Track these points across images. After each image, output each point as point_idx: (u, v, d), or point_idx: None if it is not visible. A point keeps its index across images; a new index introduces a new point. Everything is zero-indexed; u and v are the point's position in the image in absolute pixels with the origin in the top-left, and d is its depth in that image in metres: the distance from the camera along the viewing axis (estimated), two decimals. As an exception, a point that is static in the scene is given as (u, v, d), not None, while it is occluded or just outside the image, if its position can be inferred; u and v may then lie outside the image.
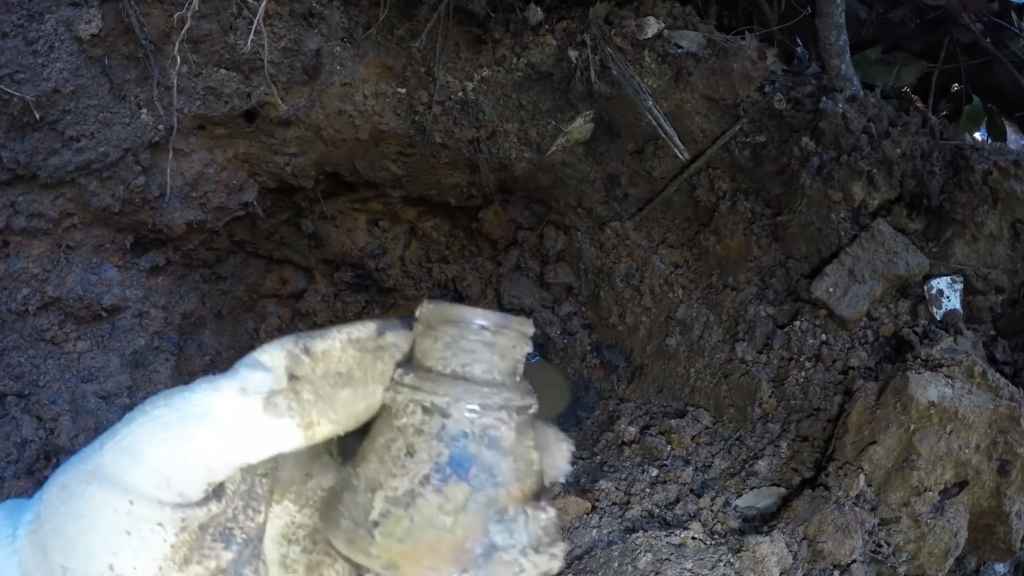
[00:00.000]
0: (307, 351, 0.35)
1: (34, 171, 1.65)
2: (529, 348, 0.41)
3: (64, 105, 1.62)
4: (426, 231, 2.17)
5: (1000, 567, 1.49)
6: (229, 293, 2.06)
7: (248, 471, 0.36)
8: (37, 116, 1.59)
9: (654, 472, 1.61)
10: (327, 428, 0.35)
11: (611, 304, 2.07)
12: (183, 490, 0.33)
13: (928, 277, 1.67)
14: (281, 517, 0.38)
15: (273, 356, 0.35)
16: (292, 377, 0.35)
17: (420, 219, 2.17)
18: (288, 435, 0.34)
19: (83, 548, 0.33)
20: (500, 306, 2.17)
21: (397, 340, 0.38)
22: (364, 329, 0.37)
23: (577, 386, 2.09)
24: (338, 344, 0.36)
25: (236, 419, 0.34)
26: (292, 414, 0.34)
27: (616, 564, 1.34)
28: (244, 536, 0.35)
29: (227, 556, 0.34)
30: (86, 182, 1.71)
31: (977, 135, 2.19)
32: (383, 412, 0.37)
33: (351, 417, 0.36)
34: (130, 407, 0.40)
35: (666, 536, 1.36)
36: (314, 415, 0.35)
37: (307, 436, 0.35)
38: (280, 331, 2.13)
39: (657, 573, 1.29)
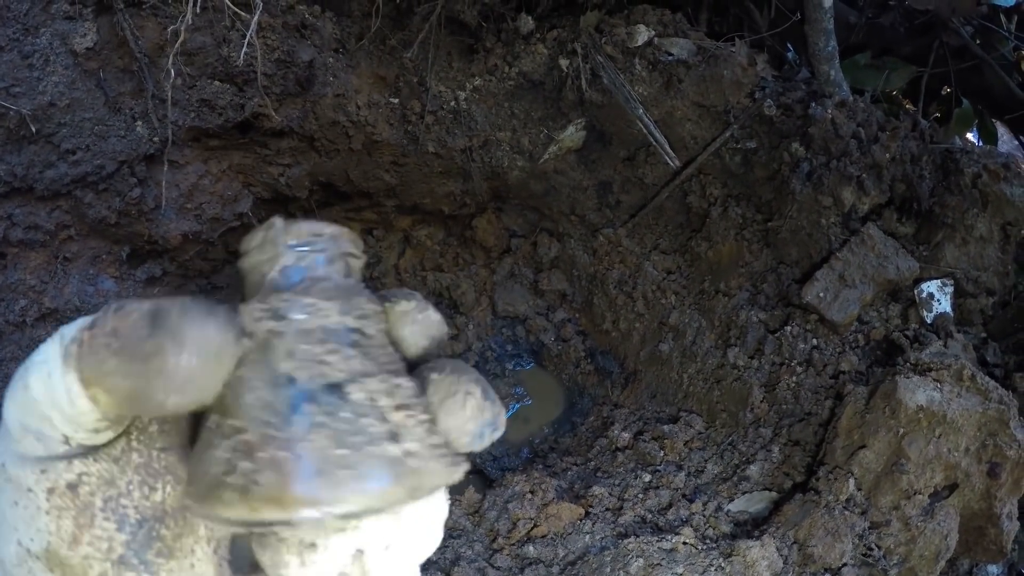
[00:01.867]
0: (117, 310, 0.32)
1: (31, 183, 1.66)
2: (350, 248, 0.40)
3: (60, 118, 1.64)
4: (420, 240, 2.18)
5: (993, 568, 1.49)
6: (225, 303, 2.07)
7: (145, 441, 0.33)
8: (33, 129, 1.61)
9: (647, 477, 1.61)
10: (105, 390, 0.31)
11: (604, 310, 2.07)
12: (40, 446, 0.31)
13: (918, 281, 1.68)
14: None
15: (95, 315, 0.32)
16: (90, 325, 0.31)
17: (414, 228, 2.18)
18: (77, 390, 0.31)
19: (2, 529, 0.32)
20: (494, 313, 2.18)
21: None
22: (138, 305, 0.32)
23: (571, 392, 2.10)
24: (111, 314, 0.32)
25: (54, 364, 0.31)
26: (73, 364, 0.31)
27: (608, 569, 1.35)
28: (139, 516, 0.32)
29: (120, 537, 0.32)
30: (82, 194, 1.73)
31: (970, 136, 2.20)
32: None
33: (122, 390, 0.31)
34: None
35: (658, 541, 1.37)
36: (85, 368, 0.31)
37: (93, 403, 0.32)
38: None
39: (648, 578, 1.30)
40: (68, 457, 0.32)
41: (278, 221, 0.38)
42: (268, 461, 0.31)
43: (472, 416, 0.36)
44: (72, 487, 0.31)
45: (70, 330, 0.32)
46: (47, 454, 0.32)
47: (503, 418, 0.39)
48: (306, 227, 0.38)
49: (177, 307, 0.32)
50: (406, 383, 0.36)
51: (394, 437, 0.33)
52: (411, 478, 0.33)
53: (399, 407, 0.35)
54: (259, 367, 0.33)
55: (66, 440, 0.31)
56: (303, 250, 0.37)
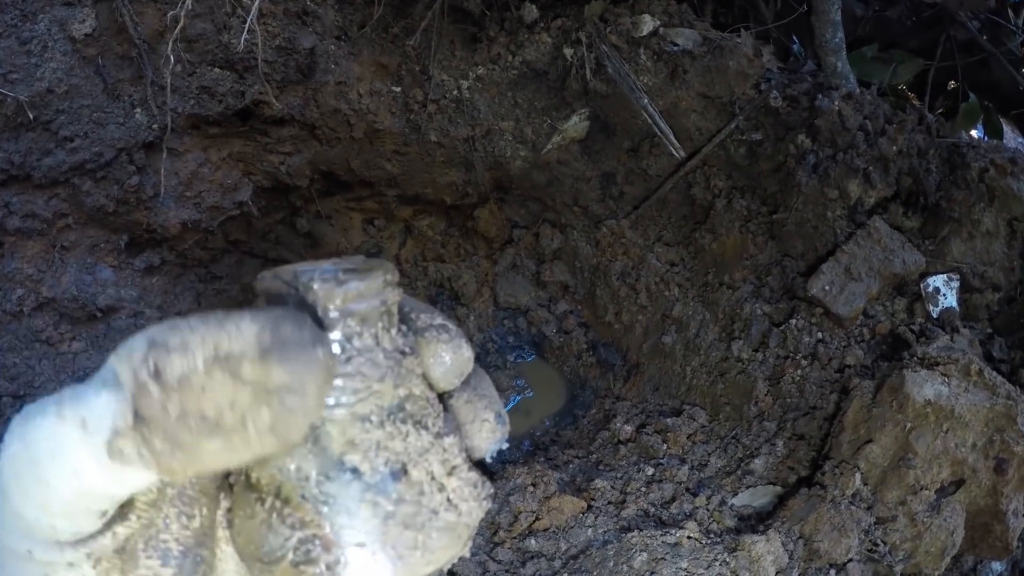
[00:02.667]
0: (157, 375, 0.25)
1: (28, 171, 1.64)
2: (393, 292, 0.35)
3: (58, 105, 1.62)
4: (421, 230, 2.17)
5: (997, 566, 1.49)
6: (224, 293, 2.06)
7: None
8: (31, 116, 1.58)
9: (650, 471, 1.60)
10: (196, 473, 0.28)
11: (607, 302, 2.06)
12: (74, 529, 0.29)
13: (924, 275, 1.67)
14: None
15: (123, 368, 0.26)
16: (137, 417, 0.25)
17: (415, 218, 2.16)
18: (147, 479, 0.27)
19: None
20: (496, 305, 2.17)
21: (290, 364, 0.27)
22: (239, 338, 0.26)
23: (573, 384, 2.09)
24: (200, 364, 0.25)
25: (85, 462, 0.26)
26: (145, 463, 0.26)
27: (611, 564, 1.34)
28: (181, 548, 0.31)
29: (166, 572, 0.30)
30: (80, 182, 1.71)
31: (974, 132, 2.19)
32: None
33: (225, 468, 0.28)
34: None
35: (662, 535, 1.36)
36: (174, 465, 0.26)
37: (172, 480, 0.29)
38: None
39: (653, 572, 1.29)
40: (110, 526, 0.29)
41: (318, 288, 0.32)
42: (347, 557, 0.31)
43: (485, 439, 0.38)
44: (119, 552, 0.30)
45: (95, 422, 0.26)
46: (89, 533, 0.29)
47: (508, 431, 0.40)
48: (352, 289, 0.33)
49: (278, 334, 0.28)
50: (449, 439, 0.35)
51: (452, 505, 0.34)
52: (467, 532, 0.34)
53: (451, 471, 0.35)
54: (314, 456, 0.32)
55: (104, 513, 0.29)
56: (349, 324, 0.32)
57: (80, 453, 0.26)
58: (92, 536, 0.29)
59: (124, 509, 0.29)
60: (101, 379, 0.27)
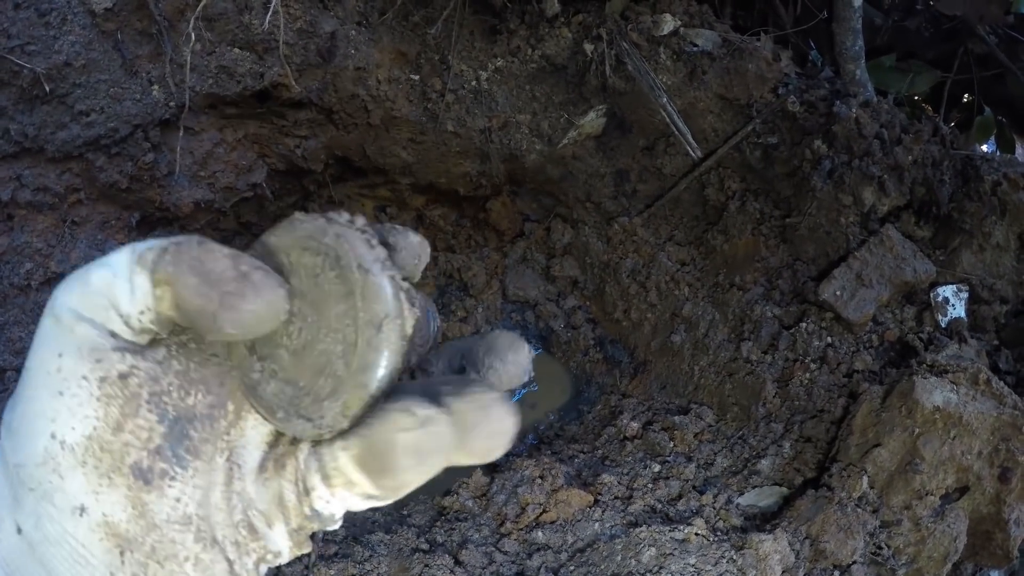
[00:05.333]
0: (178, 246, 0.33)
1: (41, 144, 1.62)
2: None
3: (75, 79, 1.60)
4: (433, 219, 2.17)
5: (995, 574, 1.51)
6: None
7: (184, 353, 0.36)
8: (47, 89, 1.57)
9: (656, 468, 1.62)
10: (178, 298, 0.34)
11: (616, 299, 2.07)
12: (95, 325, 0.34)
13: (934, 285, 1.69)
14: (256, 427, 0.38)
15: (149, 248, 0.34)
16: (165, 248, 0.33)
17: (428, 207, 2.16)
18: (147, 298, 0.34)
19: (27, 430, 0.33)
20: (504, 297, 2.17)
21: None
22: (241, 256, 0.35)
23: (579, 380, 2.10)
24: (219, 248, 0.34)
25: (122, 263, 0.33)
26: (152, 277, 0.33)
27: (619, 558, 1.35)
28: (175, 413, 0.35)
29: (159, 429, 0.35)
30: (94, 157, 1.69)
31: (984, 148, 2.21)
32: None
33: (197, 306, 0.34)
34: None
35: (670, 531, 1.37)
36: (167, 278, 0.33)
37: (159, 308, 0.34)
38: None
39: (661, 568, 1.30)
40: (120, 350, 0.34)
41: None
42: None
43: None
44: (123, 377, 0.34)
45: (143, 244, 0.34)
46: (100, 343, 0.34)
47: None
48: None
49: (260, 265, 0.35)
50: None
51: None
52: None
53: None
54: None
55: (112, 335, 0.34)
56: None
57: (123, 260, 0.33)
58: (105, 349, 0.34)
59: (134, 349, 0.35)
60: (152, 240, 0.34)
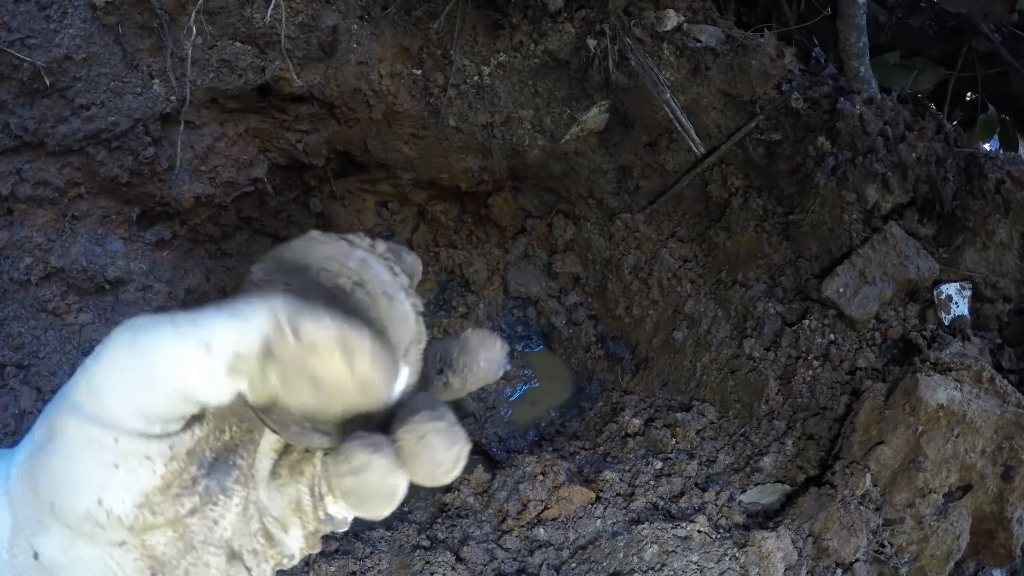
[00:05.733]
0: (296, 332, 0.31)
1: (41, 138, 1.62)
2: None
3: (75, 72, 1.59)
4: (435, 215, 2.16)
5: (998, 573, 1.51)
6: (234, 270, 2.04)
7: None
8: (47, 82, 1.56)
9: (658, 465, 1.61)
10: (274, 404, 0.34)
11: (618, 296, 2.06)
12: (163, 426, 0.33)
13: (938, 282, 1.68)
14: (266, 436, 0.38)
15: (257, 313, 0.31)
16: (267, 352, 0.31)
17: (429, 203, 2.15)
18: (230, 397, 0.33)
19: (70, 484, 0.33)
20: (506, 294, 2.17)
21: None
22: (361, 339, 0.32)
23: (580, 377, 2.09)
24: (331, 337, 0.32)
25: (196, 375, 0.31)
26: (250, 386, 0.32)
27: (621, 555, 1.35)
28: (213, 455, 0.35)
29: (201, 472, 0.35)
30: (94, 151, 1.68)
31: (988, 146, 2.20)
32: None
33: (299, 413, 0.35)
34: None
35: (672, 528, 1.37)
36: (268, 394, 0.32)
37: (254, 401, 0.34)
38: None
39: (663, 565, 1.29)
40: (188, 427, 0.34)
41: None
42: None
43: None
44: (191, 453, 0.34)
45: (211, 335, 0.31)
46: (174, 431, 0.33)
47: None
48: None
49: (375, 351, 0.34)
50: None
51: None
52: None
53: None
54: None
55: (185, 417, 0.34)
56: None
57: (194, 367, 0.31)
58: (176, 433, 0.33)
59: (198, 417, 0.34)
60: (228, 313, 0.31)
